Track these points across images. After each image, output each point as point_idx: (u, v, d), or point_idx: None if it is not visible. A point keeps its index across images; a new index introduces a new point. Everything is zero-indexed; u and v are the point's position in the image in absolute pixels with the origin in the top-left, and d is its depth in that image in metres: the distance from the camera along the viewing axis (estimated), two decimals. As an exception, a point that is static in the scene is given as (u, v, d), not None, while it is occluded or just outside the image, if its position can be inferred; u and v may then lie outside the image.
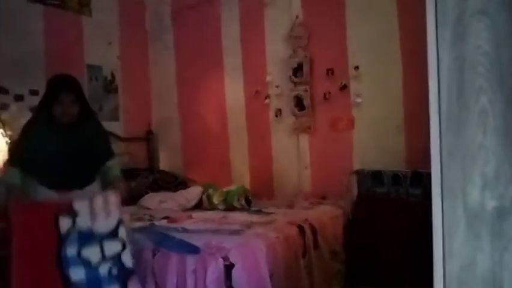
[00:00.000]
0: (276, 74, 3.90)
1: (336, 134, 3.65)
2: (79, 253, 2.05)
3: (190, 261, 2.15)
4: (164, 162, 4.62)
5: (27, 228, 2.04)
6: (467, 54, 0.97)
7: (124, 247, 2.14)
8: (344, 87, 3.56)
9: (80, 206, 2.09)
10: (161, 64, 4.60)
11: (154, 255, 2.26)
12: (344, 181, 3.19)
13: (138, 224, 2.70)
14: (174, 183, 4.01)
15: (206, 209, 3.26)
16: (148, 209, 3.36)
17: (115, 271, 2.09)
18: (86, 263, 2.06)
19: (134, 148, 4.36)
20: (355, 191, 3.13)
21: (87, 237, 2.07)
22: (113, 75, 4.27)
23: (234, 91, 4.18)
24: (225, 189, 3.35)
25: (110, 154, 2.47)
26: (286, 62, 3.83)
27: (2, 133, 3.13)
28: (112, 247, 2.11)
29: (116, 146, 3.38)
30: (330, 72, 3.62)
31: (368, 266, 2.84)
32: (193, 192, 3.48)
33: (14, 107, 3.33)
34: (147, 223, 2.75)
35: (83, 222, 2.07)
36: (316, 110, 3.74)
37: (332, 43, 3.64)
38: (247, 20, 4.09)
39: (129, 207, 3.18)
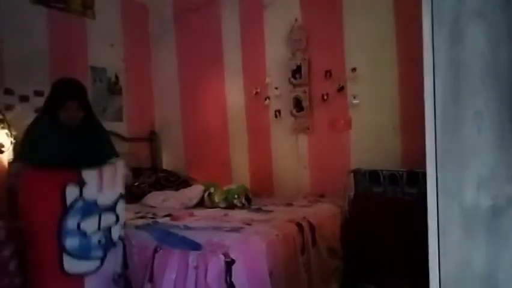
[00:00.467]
0: (275, 76, 3.93)
1: (334, 134, 3.67)
2: (78, 225, 2.10)
3: (192, 257, 2.16)
4: (167, 162, 4.65)
5: (37, 195, 2.07)
6: (463, 56, 0.97)
7: (117, 220, 2.25)
8: (342, 89, 3.59)
9: (89, 175, 2.15)
10: (164, 66, 4.61)
11: (156, 251, 2.27)
12: (342, 180, 3.18)
13: (142, 222, 2.73)
14: (176, 182, 4.03)
15: (207, 207, 3.27)
16: (152, 207, 3.37)
17: (103, 240, 2.20)
18: (82, 234, 2.13)
19: (138, 148, 4.38)
20: (352, 190, 3.13)
21: (90, 209, 2.13)
22: (117, 77, 4.29)
23: (234, 92, 4.21)
24: (225, 188, 3.37)
25: (113, 153, 2.51)
26: (285, 64, 3.85)
27: (7, 133, 3.16)
28: (107, 219, 2.21)
29: (120, 146, 3.43)
30: (328, 74, 3.65)
31: (365, 263, 2.87)
32: (195, 191, 3.50)
33: (19, 107, 3.33)
34: (150, 221, 2.77)
35: (90, 192, 2.13)
36: (315, 111, 3.77)
37: (329, 46, 3.66)
38: (247, 22, 4.11)
39: (133, 205, 3.22)
